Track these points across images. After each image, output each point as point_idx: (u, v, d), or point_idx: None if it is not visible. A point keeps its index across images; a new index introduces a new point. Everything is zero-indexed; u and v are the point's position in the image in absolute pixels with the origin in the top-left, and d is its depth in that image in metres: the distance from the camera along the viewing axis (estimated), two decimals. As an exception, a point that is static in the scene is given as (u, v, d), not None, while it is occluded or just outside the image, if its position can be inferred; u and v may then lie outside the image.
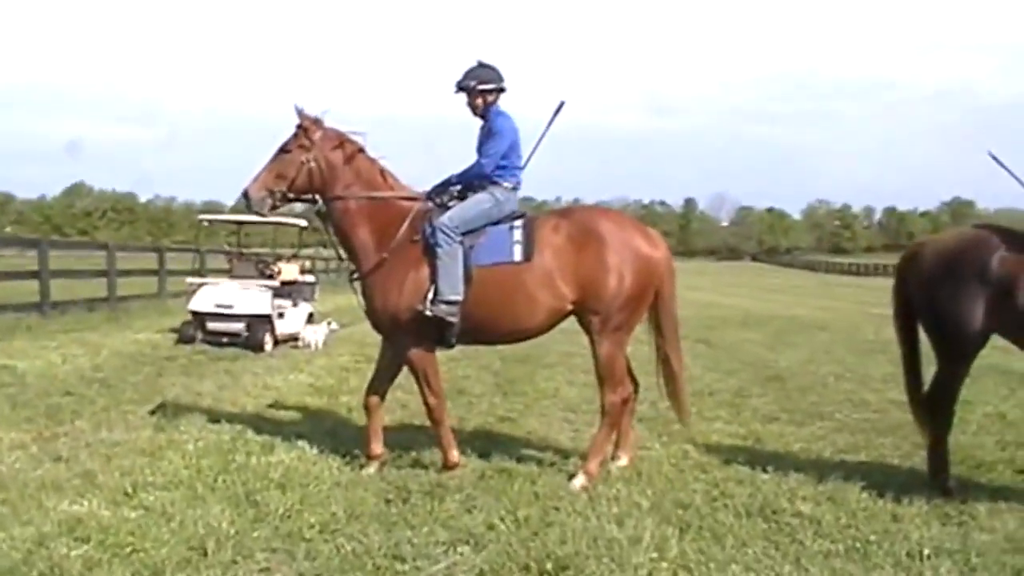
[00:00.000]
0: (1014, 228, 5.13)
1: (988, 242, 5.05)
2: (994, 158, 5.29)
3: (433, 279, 5.34)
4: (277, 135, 5.62)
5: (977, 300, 4.97)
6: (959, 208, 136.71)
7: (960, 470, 5.50)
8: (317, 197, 5.64)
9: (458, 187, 5.62)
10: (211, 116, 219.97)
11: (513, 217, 5.58)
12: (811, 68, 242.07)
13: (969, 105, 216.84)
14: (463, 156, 5.74)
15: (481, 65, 5.62)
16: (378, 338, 5.90)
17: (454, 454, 5.54)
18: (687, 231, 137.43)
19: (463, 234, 5.38)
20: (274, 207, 5.64)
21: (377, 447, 5.64)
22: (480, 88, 5.57)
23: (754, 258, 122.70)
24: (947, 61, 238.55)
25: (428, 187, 5.71)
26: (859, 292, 37.70)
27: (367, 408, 5.72)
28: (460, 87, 5.61)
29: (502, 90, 5.65)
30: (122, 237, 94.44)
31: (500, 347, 10.28)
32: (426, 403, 5.60)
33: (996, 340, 5.18)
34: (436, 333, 5.46)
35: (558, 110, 5.74)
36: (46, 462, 5.45)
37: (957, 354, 5.17)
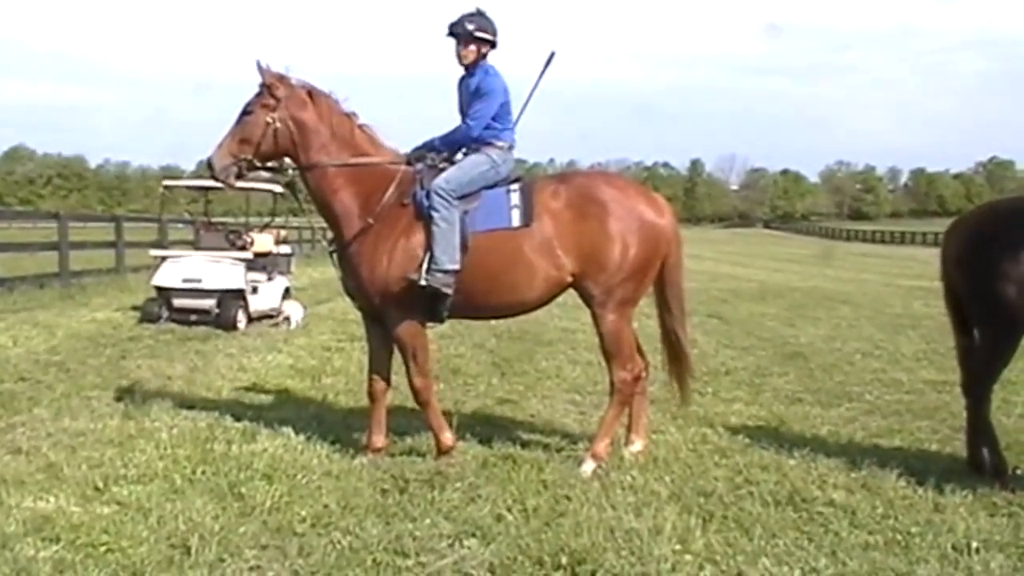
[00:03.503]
0: None
1: (1022, 216, 5.07)
2: None
3: (428, 247, 5.31)
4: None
5: (1012, 277, 4.97)
6: (996, 169, 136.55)
7: (1006, 457, 5.52)
8: (287, 163, 5.60)
9: (444, 152, 5.58)
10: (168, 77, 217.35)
11: (510, 180, 5.57)
12: (828, 15, 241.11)
13: (1009, 54, 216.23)
14: (443, 118, 5.73)
15: (479, 13, 5.55)
16: (359, 315, 5.85)
17: (447, 436, 5.53)
18: (693, 195, 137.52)
19: (459, 198, 5.37)
20: (240, 176, 5.58)
21: (379, 439, 5.62)
22: (477, 35, 5.50)
23: (767, 225, 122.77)
24: (983, 4, 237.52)
25: (408, 149, 5.68)
26: (884, 263, 37.84)
27: (371, 396, 5.68)
28: (453, 31, 5.53)
29: (494, 44, 5.59)
30: (70, 206, 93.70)
31: (494, 324, 10.40)
32: (412, 384, 5.58)
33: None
34: (427, 306, 5.45)
35: (549, 61, 5.72)
36: (4, 455, 5.44)
37: (998, 332, 5.20)
